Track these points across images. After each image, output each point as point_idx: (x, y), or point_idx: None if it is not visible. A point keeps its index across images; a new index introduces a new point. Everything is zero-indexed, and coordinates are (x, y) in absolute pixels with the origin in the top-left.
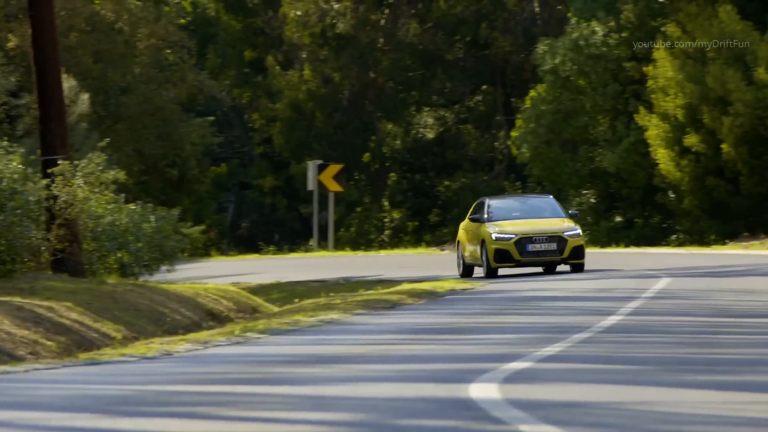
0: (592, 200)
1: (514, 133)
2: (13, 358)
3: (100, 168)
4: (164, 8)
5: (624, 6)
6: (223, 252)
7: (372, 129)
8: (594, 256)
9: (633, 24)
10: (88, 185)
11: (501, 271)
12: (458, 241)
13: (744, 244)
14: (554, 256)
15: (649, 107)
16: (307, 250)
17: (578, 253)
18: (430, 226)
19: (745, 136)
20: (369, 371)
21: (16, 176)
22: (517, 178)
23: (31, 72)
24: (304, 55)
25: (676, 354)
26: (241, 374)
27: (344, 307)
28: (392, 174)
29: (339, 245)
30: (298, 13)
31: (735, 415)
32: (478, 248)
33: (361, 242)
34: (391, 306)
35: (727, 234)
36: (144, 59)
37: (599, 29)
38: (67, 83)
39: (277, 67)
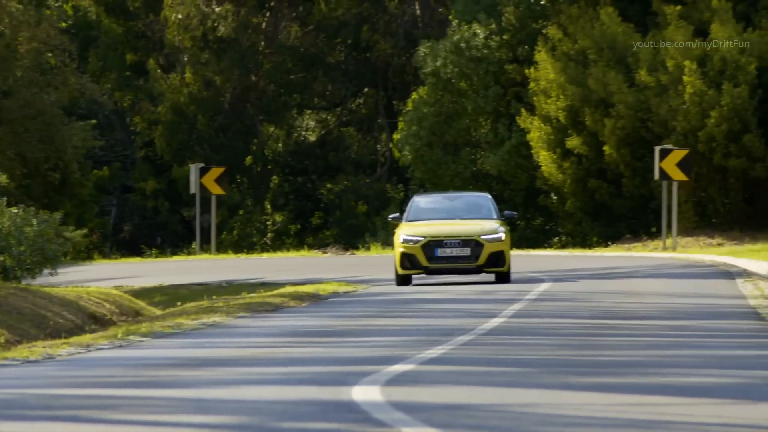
0: None
1: (396, 136)
2: None
3: None
4: (45, 12)
5: (505, 8)
6: (105, 255)
7: (254, 132)
8: None
9: (514, 26)
10: None
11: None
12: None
13: (626, 246)
14: (467, 263)
15: (531, 109)
16: (189, 253)
17: (497, 260)
18: (312, 228)
19: (626, 138)
20: (252, 374)
21: None
22: (400, 181)
23: None
24: (186, 59)
25: (558, 356)
26: (124, 377)
27: (227, 310)
28: (274, 177)
29: (221, 248)
30: (179, 16)
31: (617, 416)
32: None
33: (243, 245)
34: (274, 309)
35: (610, 236)
36: (25, 63)
37: (480, 32)
38: None
39: (159, 71)
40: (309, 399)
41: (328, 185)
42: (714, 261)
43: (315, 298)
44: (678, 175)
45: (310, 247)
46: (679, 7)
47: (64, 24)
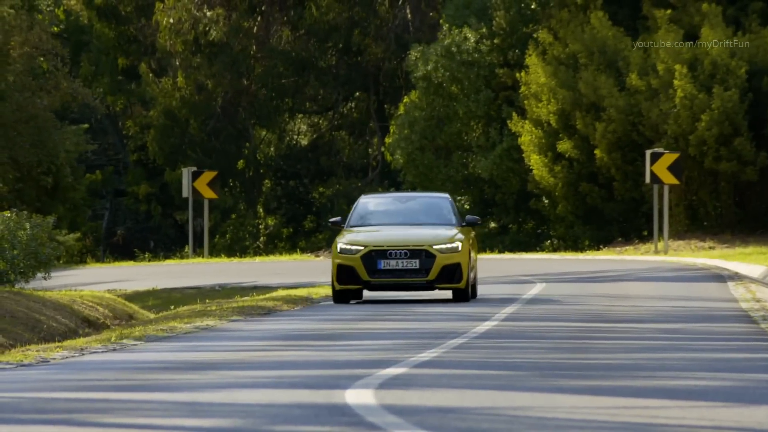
0: (467, 206)
1: (387, 140)
2: None
3: None
4: (37, 16)
5: (496, 13)
6: (98, 259)
7: (246, 136)
8: None
9: (505, 30)
10: None
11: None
12: None
13: (617, 249)
14: (415, 278)
15: (522, 113)
16: (182, 257)
17: (451, 274)
18: (304, 232)
19: (617, 141)
20: (245, 377)
21: None
22: (391, 184)
23: None
24: (178, 63)
25: (550, 359)
26: (118, 381)
27: (220, 313)
28: (267, 181)
29: (214, 252)
30: (171, 20)
31: (609, 419)
32: None
33: (236, 249)
34: (267, 312)
35: (601, 239)
36: (17, 67)
37: (471, 36)
38: None
39: (151, 75)
40: (302, 402)
41: (320, 189)
42: (705, 264)
43: (307, 302)
44: (669, 179)
45: (303, 250)
46: (669, 11)
47: (56, 28)
